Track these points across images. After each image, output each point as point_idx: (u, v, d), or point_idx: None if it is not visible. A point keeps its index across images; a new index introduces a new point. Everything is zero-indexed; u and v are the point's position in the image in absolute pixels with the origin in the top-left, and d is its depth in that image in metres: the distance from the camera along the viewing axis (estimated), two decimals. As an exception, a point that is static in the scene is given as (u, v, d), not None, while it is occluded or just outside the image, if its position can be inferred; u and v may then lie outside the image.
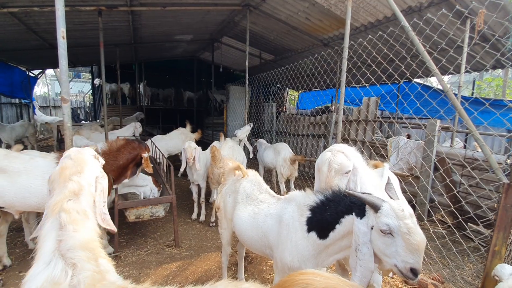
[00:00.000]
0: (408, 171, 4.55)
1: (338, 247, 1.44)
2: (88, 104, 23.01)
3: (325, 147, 6.59)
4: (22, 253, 3.29)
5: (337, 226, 1.39)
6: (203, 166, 4.14)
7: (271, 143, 6.90)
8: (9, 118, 10.31)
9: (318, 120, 6.75)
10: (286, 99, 14.87)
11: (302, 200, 1.64)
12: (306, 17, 6.36)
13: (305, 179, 5.56)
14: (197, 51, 11.82)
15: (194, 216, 4.44)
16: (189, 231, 4.07)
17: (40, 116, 12.08)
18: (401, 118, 6.87)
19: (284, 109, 14.22)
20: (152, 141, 5.62)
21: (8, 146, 7.79)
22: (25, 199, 2.51)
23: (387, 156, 4.87)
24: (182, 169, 4.24)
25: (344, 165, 1.77)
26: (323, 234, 1.49)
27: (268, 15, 6.61)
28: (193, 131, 7.04)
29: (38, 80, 10.79)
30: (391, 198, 1.32)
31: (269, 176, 6.00)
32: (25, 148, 4.46)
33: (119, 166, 2.73)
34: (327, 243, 1.46)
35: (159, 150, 4.86)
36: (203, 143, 7.22)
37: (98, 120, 12.80)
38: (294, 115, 8.60)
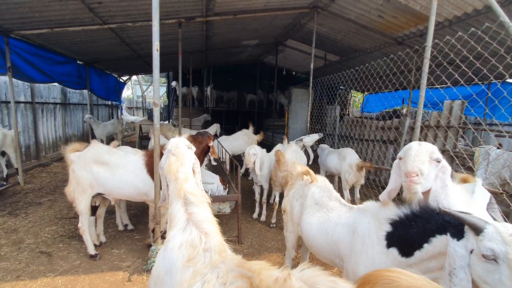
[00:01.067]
0: (501, 187, 3.86)
1: (424, 268, 1.31)
2: (162, 106, 25.75)
3: (395, 155, 6.06)
4: (113, 232, 3.86)
5: (426, 245, 1.27)
6: (266, 168, 4.24)
7: (333, 147, 6.65)
8: (103, 117, 12.20)
9: (388, 124, 6.25)
10: (350, 102, 14.13)
11: (381, 212, 1.55)
12: (378, 15, 5.97)
13: (372, 187, 5.20)
14: (261, 55, 12.14)
15: (255, 215, 4.58)
16: (250, 230, 4.22)
17: (126, 116, 14.01)
18: (496, 125, 5.87)
19: (347, 112, 13.56)
20: (218, 141, 5.99)
21: (101, 141, 9.23)
22: (120, 189, 2.96)
23: (473, 168, 4.22)
24: (242, 170, 4.40)
25: (437, 151, 1.55)
26: (406, 251, 1.37)
27: (337, 15, 6.41)
28: (255, 133, 7.27)
29: (125, 85, 12.55)
30: (494, 220, 1.15)
31: (331, 182, 5.82)
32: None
33: (193, 161, 3.01)
34: (411, 262, 1.35)
35: (226, 151, 5.15)
36: (264, 145, 7.39)
37: (170, 120, 14.23)
38: (360, 118, 8.12)
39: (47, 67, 6.05)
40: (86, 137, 10.17)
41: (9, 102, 6.22)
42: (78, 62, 7.78)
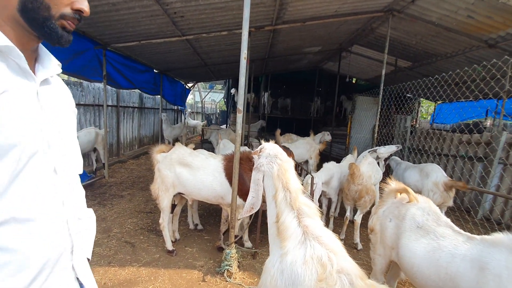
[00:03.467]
0: None
1: None
2: (218, 111, 27.10)
3: (483, 173, 5.23)
4: (185, 230, 4.06)
5: None
6: (336, 180, 4.03)
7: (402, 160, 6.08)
8: (169, 120, 13.26)
9: (476, 138, 5.46)
10: (418, 112, 12.88)
11: (523, 249, 1.28)
12: (468, 15, 5.31)
13: (461, 211, 4.56)
14: (321, 62, 11.88)
15: (319, 228, 4.37)
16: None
17: (189, 120, 15.02)
18: None
19: (414, 123, 12.38)
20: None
21: (169, 143, 9.97)
22: (199, 190, 3.09)
23: None
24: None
25: None
26: None
27: (415, 17, 5.89)
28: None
29: (190, 91, 13.46)
30: None
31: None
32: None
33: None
34: None
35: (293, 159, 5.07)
36: (321, 155, 7.10)
37: (227, 126, 14.79)
38: (437, 130, 7.32)
39: (131, 75, 6.80)
40: (156, 138, 11.16)
41: (101, 105, 7.15)
42: (155, 71, 8.59)
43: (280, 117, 14.52)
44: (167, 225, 3.31)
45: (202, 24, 5.42)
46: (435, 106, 13.45)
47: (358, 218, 3.61)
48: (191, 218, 4.10)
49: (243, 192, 2.93)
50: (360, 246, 3.69)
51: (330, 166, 3.98)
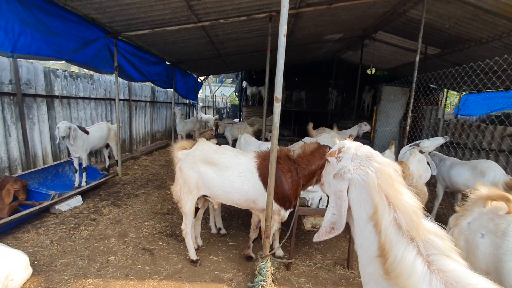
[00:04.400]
0: None
1: None
2: (229, 105, 26.69)
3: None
4: (207, 235, 3.70)
5: None
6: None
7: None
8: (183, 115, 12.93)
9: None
10: (445, 102, 12.14)
11: None
12: (510, -5, 4.70)
13: None
14: (340, 51, 11.26)
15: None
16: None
17: (201, 114, 14.70)
18: None
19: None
20: (304, 142, 5.50)
21: (181, 137, 9.65)
22: (227, 193, 2.69)
23: None
24: None
25: None
26: None
27: (454, -3, 5.29)
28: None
29: (202, 85, 13.06)
30: None
31: (452, 200, 4.84)
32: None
33: (311, 171, 2.54)
34: None
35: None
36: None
37: (241, 120, 14.36)
38: (475, 123, 6.71)
39: (144, 67, 6.44)
40: (168, 133, 10.86)
41: (113, 99, 6.83)
42: (167, 63, 8.21)
43: (295, 111, 13.99)
44: (190, 231, 2.94)
45: (219, 8, 4.97)
46: (459, 97, 12.66)
47: (406, 223, 3.15)
48: (213, 221, 3.72)
49: (279, 196, 2.52)
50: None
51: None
